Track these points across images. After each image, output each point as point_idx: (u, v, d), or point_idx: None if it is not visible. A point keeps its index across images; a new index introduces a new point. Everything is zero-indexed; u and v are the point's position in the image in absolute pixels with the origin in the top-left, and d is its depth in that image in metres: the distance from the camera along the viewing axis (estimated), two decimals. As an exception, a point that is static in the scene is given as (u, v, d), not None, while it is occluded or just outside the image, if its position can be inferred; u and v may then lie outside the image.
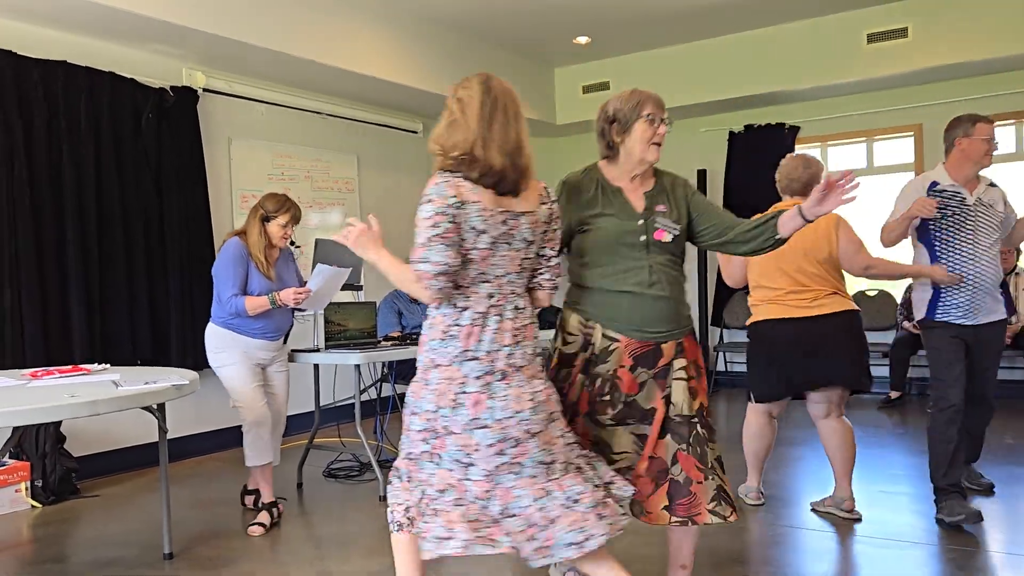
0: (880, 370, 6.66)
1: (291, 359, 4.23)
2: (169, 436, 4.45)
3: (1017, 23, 5.88)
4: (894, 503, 3.81)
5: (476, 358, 2.10)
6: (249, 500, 4.03)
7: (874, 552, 3.17)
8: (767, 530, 3.44)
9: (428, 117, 7.37)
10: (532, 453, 2.09)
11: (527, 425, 2.09)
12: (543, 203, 2.23)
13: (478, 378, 2.09)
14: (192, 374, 3.37)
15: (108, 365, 3.82)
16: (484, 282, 2.15)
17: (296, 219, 3.80)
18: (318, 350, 4.32)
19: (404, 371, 5.42)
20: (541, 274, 2.28)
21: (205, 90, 5.46)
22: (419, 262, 2.11)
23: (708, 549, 3.21)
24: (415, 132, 7.25)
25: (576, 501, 2.11)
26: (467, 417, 2.07)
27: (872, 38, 6.40)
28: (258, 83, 5.85)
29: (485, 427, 2.06)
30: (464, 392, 2.09)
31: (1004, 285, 6.29)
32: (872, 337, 6.87)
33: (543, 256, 2.27)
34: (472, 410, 2.07)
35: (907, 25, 6.26)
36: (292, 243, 3.91)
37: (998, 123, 6.62)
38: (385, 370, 5.40)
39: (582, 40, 7.01)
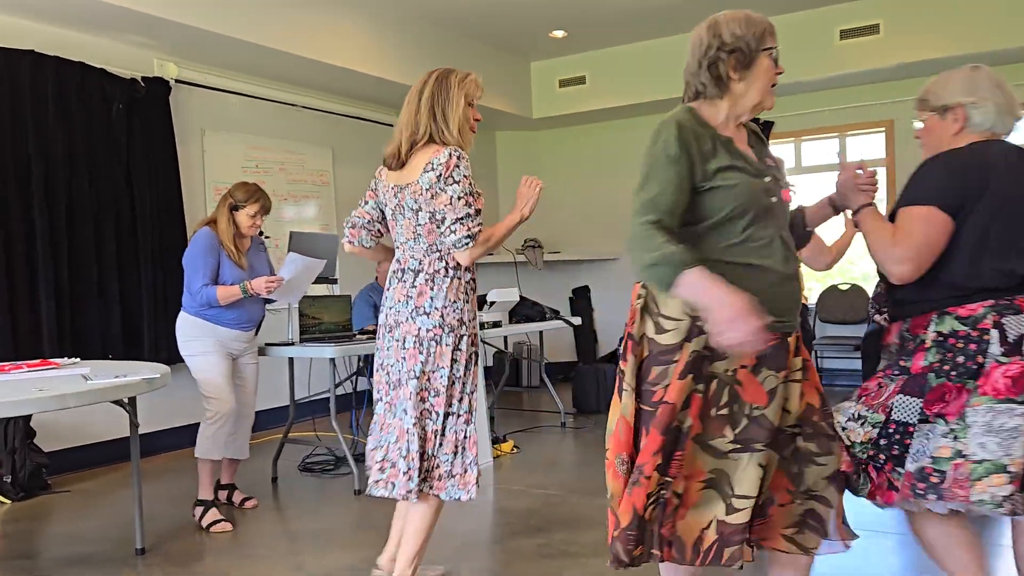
0: (854, 363, 6.75)
1: (264, 353, 4.20)
2: (141, 431, 4.39)
3: (987, 21, 5.96)
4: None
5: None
6: (223, 495, 4.00)
7: (865, 542, 3.20)
8: (740, 521, 3.47)
9: (404, 110, 7.34)
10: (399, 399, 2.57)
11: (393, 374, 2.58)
12: (425, 172, 2.49)
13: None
14: (164, 368, 3.34)
15: (78, 359, 3.77)
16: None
17: (266, 209, 3.77)
18: (292, 344, 4.29)
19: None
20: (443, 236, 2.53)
21: (177, 81, 5.39)
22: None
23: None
24: (390, 125, 7.18)
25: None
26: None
27: (844, 34, 6.47)
28: (232, 74, 5.79)
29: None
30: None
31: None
32: (844, 331, 6.96)
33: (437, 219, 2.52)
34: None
35: (879, 21, 6.33)
36: (261, 233, 3.88)
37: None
38: (360, 364, 5.37)
39: (559, 34, 7.01)
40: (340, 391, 4.70)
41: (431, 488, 2.53)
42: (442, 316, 2.52)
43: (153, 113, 5.16)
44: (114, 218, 4.92)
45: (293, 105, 6.29)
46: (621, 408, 1.86)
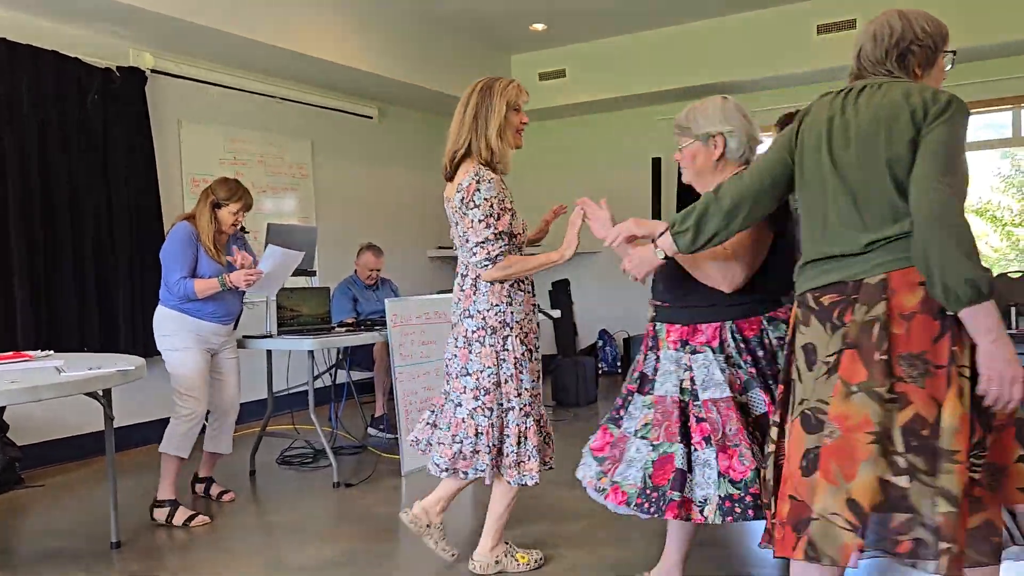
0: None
1: (242, 345, 4.17)
2: (116, 424, 4.36)
3: (963, 16, 6.03)
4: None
5: None
6: (200, 488, 3.98)
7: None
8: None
9: (384, 102, 7.31)
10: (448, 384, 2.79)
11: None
12: (457, 191, 2.66)
13: None
14: (139, 360, 3.31)
15: (52, 351, 3.73)
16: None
17: (248, 207, 3.74)
18: (270, 336, 4.27)
19: (359, 357, 5.39)
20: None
21: (154, 71, 5.33)
22: None
23: (662, 530, 3.25)
24: (370, 118, 7.18)
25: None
26: None
27: (822, 29, 6.51)
28: (210, 65, 5.73)
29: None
30: None
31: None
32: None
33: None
34: None
35: (856, 16, 6.38)
36: (242, 228, 3.85)
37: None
38: (340, 356, 5.36)
39: (539, 27, 7.00)
40: (319, 384, 4.70)
41: (501, 474, 2.74)
42: (484, 319, 2.68)
43: (129, 103, 5.10)
44: (90, 209, 4.86)
45: (272, 97, 6.24)
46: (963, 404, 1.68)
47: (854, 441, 1.70)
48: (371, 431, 5.27)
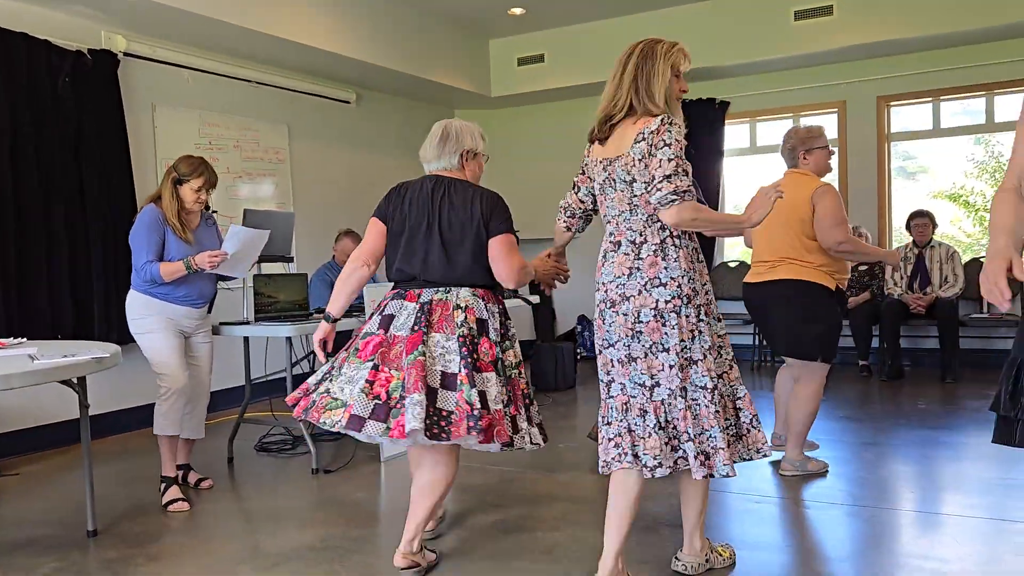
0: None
1: (218, 332, 4.14)
2: (92, 412, 4.32)
3: (936, 4, 6.07)
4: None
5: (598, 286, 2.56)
6: (178, 475, 3.96)
7: (796, 511, 3.30)
8: (694, 494, 3.54)
9: (361, 87, 7.25)
10: (630, 374, 2.47)
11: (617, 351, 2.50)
12: (636, 143, 2.41)
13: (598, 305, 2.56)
14: (114, 347, 3.28)
15: (24, 339, 3.68)
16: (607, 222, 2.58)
17: (211, 183, 3.69)
18: (247, 323, 4.24)
19: (338, 344, 5.36)
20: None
21: (126, 54, 5.25)
22: None
23: (639, 512, 3.28)
24: (348, 102, 7.12)
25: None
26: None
27: (799, 15, 6.54)
28: (184, 48, 5.65)
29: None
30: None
31: (920, 257, 6.55)
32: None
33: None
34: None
35: (832, 3, 6.41)
36: (208, 208, 3.80)
37: (916, 101, 6.86)
38: (318, 343, 5.33)
39: (517, 11, 6.97)
40: (297, 370, 4.68)
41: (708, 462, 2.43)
42: (679, 286, 2.40)
43: (101, 87, 5.03)
44: (62, 194, 4.79)
45: (248, 81, 6.17)
46: None
47: None
48: (350, 417, 5.25)
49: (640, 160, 2.38)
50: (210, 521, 3.43)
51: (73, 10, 4.88)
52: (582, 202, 2.75)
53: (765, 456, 2.55)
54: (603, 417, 2.55)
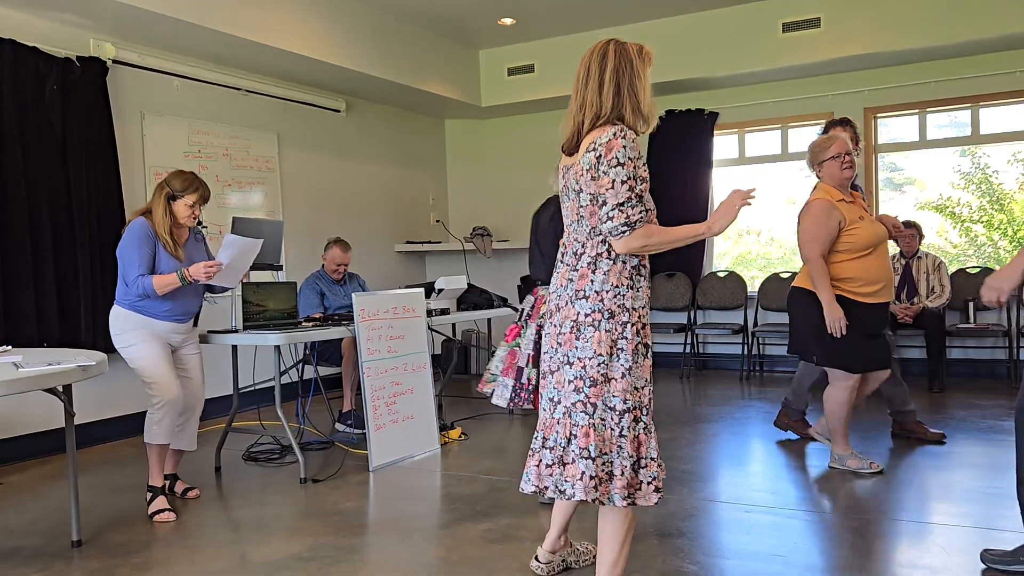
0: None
1: (207, 340, 4.12)
2: (77, 421, 4.29)
3: (922, 17, 6.14)
4: (799, 478, 3.97)
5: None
6: (164, 485, 3.92)
7: (783, 521, 3.30)
8: (683, 503, 3.54)
9: (351, 96, 7.26)
10: (546, 388, 2.41)
11: (546, 363, 2.44)
12: (587, 152, 2.30)
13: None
14: (100, 355, 3.25)
15: (10, 347, 3.65)
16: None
17: (204, 199, 3.67)
18: (236, 331, 4.22)
19: (327, 352, 5.36)
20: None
21: (115, 62, 5.23)
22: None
23: (626, 522, 3.28)
24: (338, 111, 7.12)
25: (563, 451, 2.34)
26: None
27: (787, 27, 6.59)
28: (173, 56, 5.64)
29: None
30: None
31: (907, 268, 6.58)
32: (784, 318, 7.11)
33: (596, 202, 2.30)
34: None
35: (820, 15, 6.46)
36: (199, 223, 3.79)
37: (902, 113, 6.92)
38: (307, 352, 5.32)
39: (507, 21, 6.99)
40: (286, 379, 4.66)
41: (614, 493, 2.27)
42: (601, 300, 2.30)
43: (89, 94, 5.01)
44: (49, 202, 4.76)
45: (238, 89, 6.17)
46: None
47: None
48: (338, 427, 5.24)
49: (587, 171, 2.29)
50: (197, 531, 3.40)
51: (62, 17, 4.87)
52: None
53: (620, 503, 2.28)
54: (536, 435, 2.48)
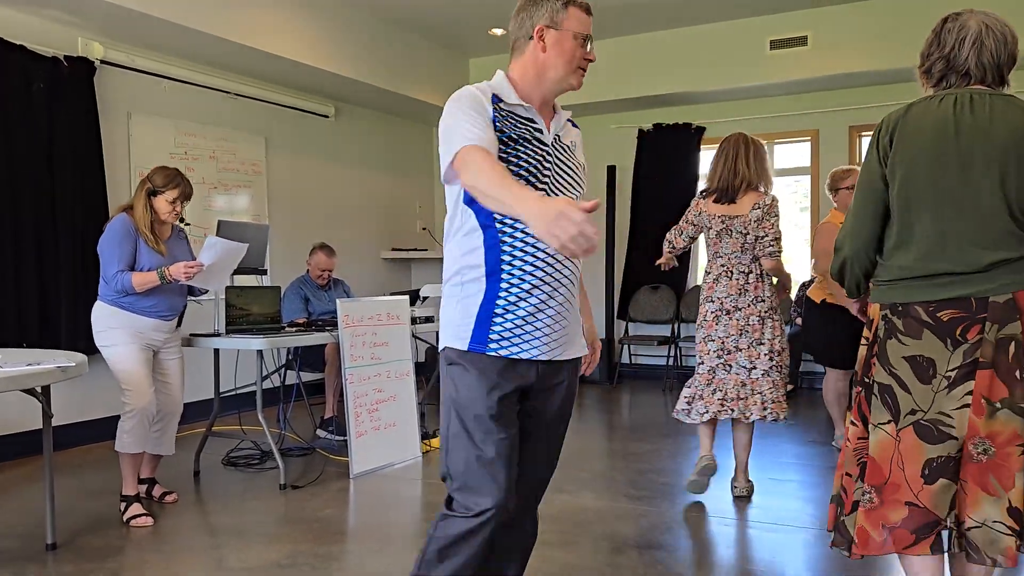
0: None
1: (189, 344, 4.09)
2: (55, 423, 4.24)
3: (908, 37, 6.20)
4: (784, 490, 3.99)
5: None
6: (141, 489, 3.88)
7: (764, 535, 3.31)
8: (664, 516, 3.55)
9: (341, 101, 7.25)
10: (737, 359, 3.70)
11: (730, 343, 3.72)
12: (754, 209, 3.63)
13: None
14: (80, 356, 3.22)
15: (-11, 347, 3.61)
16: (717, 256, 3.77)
17: (186, 195, 3.66)
18: (219, 335, 4.20)
19: (310, 358, 5.34)
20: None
21: (103, 62, 5.21)
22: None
23: (607, 534, 3.28)
24: (327, 116, 7.11)
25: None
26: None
27: (775, 45, 6.65)
28: (161, 57, 5.62)
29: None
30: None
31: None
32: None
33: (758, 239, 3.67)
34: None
35: (807, 33, 6.53)
36: (182, 220, 3.77)
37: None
38: (290, 357, 5.29)
39: (497, 32, 7.02)
40: (268, 384, 4.63)
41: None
42: (771, 302, 3.69)
43: (76, 94, 4.98)
44: (32, 201, 4.72)
45: (226, 92, 6.15)
46: None
47: (1007, 455, 1.85)
48: (320, 433, 5.21)
49: (755, 222, 3.60)
50: (174, 536, 3.37)
51: (50, 16, 4.84)
52: (684, 241, 3.86)
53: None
54: (689, 383, 3.84)
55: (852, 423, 2.09)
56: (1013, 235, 1.86)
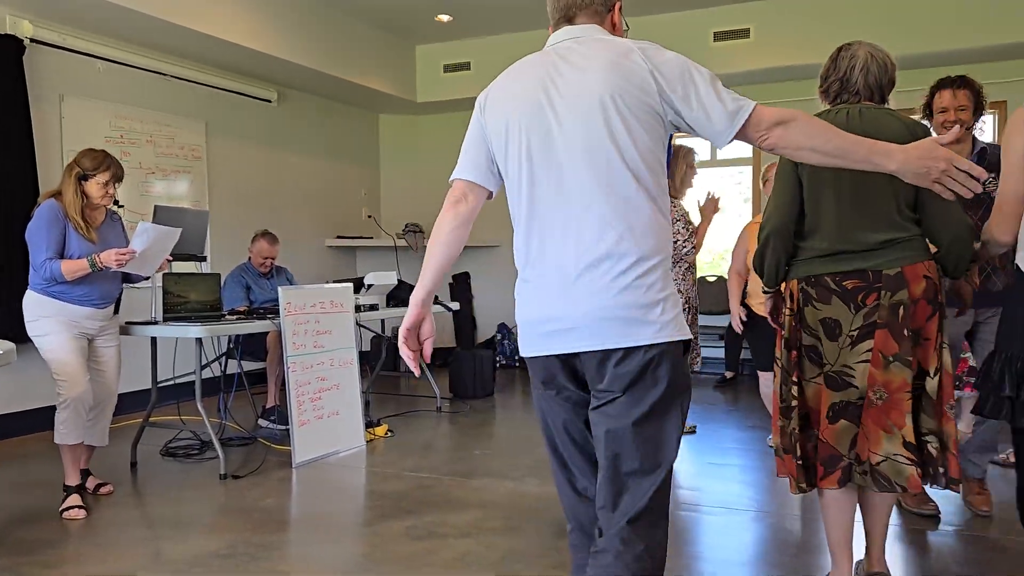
0: (717, 351, 7.09)
1: (125, 332, 3.99)
2: (-16, 414, 4.10)
3: (847, 33, 6.35)
4: (725, 474, 4.07)
5: None
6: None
7: (706, 519, 3.38)
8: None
9: (283, 86, 7.12)
10: None
11: None
12: None
13: None
14: (8, 345, 3.11)
15: (-89, 335, 3.47)
16: None
17: (118, 177, 3.55)
18: (155, 323, 4.10)
19: (252, 347, 5.25)
20: None
21: (33, 41, 5.02)
22: None
23: (551, 520, 3.31)
24: (269, 101, 6.98)
25: None
26: None
27: (718, 36, 6.74)
28: (96, 38, 5.44)
29: None
30: None
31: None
32: (710, 320, 7.29)
33: None
34: None
35: (750, 26, 6.63)
36: (116, 203, 3.66)
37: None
38: (231, 345, 5.20)
39: (444, 18, 6.97)
40: (208, 374, 4.54)
41: None
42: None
43: (3, 74, 4.79)
44: (-43, 185, 4.54)
45: (164, 75, 5.99)
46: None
47: (899, 399, 2.21)
48: (262, 422, 5.14)
49: None
50: (109, 528, 3.29)
51: (-24, -9, 4.65)
52: None
53: None
54: None
55: (790, 382, 2.38)
56: (899, 220, 2.25)
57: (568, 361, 1.70)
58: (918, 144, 1.74)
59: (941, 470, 2.25)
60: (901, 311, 2.21)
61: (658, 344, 1.62)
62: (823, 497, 2.40)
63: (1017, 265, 2.09)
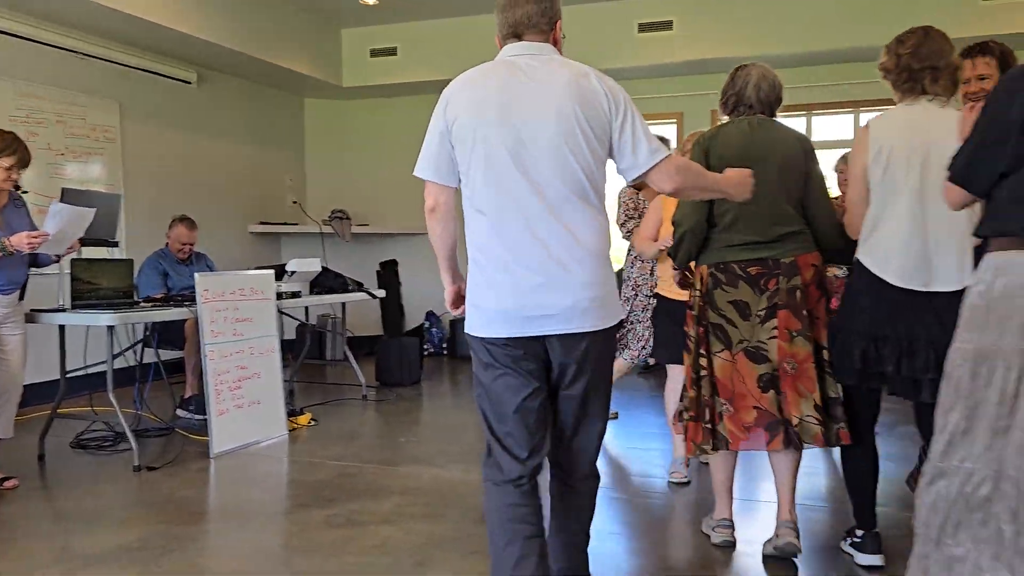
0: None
1: (32, 320, 3.83)
2: None
3: (766, 28, 6.53)
4: (647, 458, 4.16)
5: None
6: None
7: (627, 503, 3.45)
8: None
9: (203, 67, 6.92)
10: None
11: None
12: None
13: None
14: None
15: None
16: None
17: (24, 162, 3.41)
18: (63, 310, 3.95)
19: (170, 335, 5.10)
20: None
21: (-71, 13, 4.76)
22: None
23: (473, 506, 3.32)
24: (188, 83, 6.78)
25: None
26: None
27: (642, 28, 6.84)
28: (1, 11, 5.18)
29: None
30: None
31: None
32: (635, 308, 7.39)
33: None
34: None
35: (672, 18, 6.74)
36: (17, 187, 3.52)
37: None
38: (147, 333, 5.04)
39: (371, 1, 6.88)
40: (120, 363, 4.40)
41: None
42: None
43: None
44: None
45: (74, 52, 5.74)
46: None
47: (806, 368, 2.57)
48: (180, 412, 5.01)
49: None
50: (14, 522, 3.17)
51: None
52: None
53: None
54: None
55: (699, 355, 2.69)
56: (792, 215, 2.62)
57: (542, 341, 1.98)
58: (731, 175, 2.22)
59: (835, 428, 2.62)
60: (798, 294, 2.57)
61: (615, 326, 2.02)
62: (773, 460, 2.72)
63: (857, 258, 2.52)
